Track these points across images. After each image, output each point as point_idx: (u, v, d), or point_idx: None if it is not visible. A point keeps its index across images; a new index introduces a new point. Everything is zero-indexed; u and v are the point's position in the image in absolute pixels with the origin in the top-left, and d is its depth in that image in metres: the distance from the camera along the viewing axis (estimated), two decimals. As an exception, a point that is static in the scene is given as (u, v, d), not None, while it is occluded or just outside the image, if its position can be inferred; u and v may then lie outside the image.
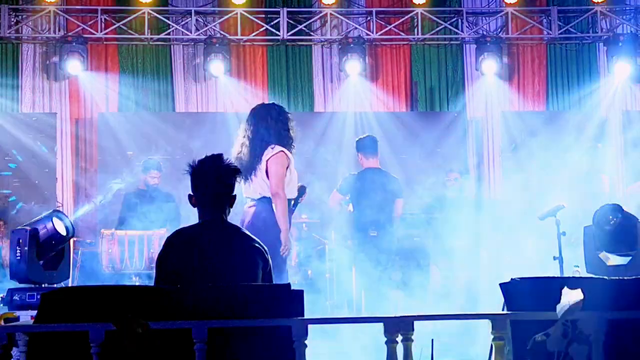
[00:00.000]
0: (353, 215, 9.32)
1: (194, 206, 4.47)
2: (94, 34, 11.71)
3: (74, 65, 11.45)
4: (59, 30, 11.82)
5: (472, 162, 12.01)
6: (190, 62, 12.11)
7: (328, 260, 10.02)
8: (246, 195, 6.66)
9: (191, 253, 4.33)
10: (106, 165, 11.46)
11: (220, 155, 4.50)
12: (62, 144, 11.69)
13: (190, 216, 10.56)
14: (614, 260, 6.73)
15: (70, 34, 11.68)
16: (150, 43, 11.96)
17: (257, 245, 4.44)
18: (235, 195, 4.53)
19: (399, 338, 3.92)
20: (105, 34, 11.78)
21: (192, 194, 4.46)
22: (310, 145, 11.32)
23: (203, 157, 4.49)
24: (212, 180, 4.42)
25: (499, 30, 12.27)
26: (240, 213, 6.60)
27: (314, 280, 9.80)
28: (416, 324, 3.87)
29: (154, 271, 4.44)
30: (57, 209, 8.09)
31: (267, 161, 6.58)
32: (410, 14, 12.03)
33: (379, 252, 8.89)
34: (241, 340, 3.88)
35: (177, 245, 4.40)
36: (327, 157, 11.32)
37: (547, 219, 8.36)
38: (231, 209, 4.55)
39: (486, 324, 3.97)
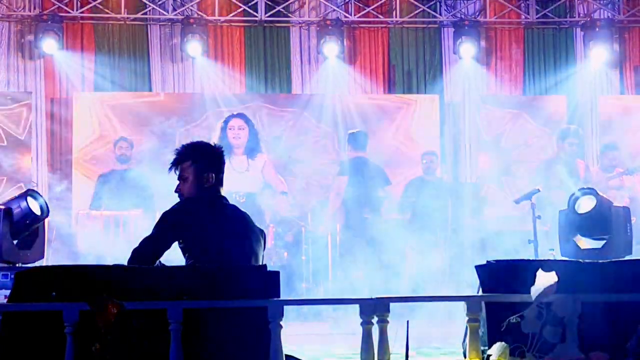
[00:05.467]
0: (346, 198, 9.91)
1: (207, 184, 4.67)
2: (69, 12, 11.58)
3: (49, 44, 11.31)
4: (34, 9, 11.67)
5: (449, 146, 12.01)
6: (167, 42, 12.00)
7: (304, 244, 10.04)
8: None
9: (217, 215, 4.57)
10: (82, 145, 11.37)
11: None
12: (37, 124, 11.57)
13: (165, 198, 10.57)
14: (588, 243, 6.75)
15: (45, 12, 11.54)
16: (127, 22, 11.85)
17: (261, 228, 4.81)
18: None
19: (375, 319, 3.94)
20: (81, 12, 11.65)
21: (210, 172, 4.68)
22: (288, 126, 11.37)
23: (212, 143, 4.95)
24: (224, 164, 4.81)
25: (477, 13, 12.25)
26: None
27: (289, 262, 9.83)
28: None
29: (157, 227, 4.55)
30: (32, 188, 8.03)
31: None
32: (389, -3, 12.00)
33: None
34: (217, 320, 3.87)
35: (198, 207, 4.59)
36: (304, 140, 11.41)
37: (522, 202, 8.42)
38: None
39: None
